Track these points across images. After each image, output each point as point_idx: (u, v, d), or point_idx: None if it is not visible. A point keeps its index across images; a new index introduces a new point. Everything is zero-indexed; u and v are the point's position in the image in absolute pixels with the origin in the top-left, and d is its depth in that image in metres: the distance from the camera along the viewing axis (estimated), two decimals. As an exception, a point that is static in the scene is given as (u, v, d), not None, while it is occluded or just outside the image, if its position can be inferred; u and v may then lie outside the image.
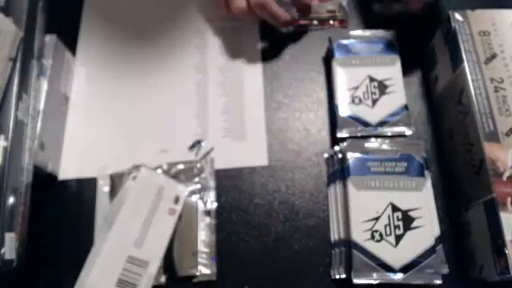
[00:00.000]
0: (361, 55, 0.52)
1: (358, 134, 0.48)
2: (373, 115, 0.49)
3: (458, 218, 0.46)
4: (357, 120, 0.49)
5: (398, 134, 0.49)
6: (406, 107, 0.49)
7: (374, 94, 0.50)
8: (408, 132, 0.48)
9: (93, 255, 0.43)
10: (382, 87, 0.50)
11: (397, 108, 0.49)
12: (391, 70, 0.51)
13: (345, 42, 0.52)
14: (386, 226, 0.43)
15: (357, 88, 0.50)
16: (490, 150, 0.41)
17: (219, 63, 0.56)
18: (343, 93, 0.50)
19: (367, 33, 0.53)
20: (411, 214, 0.43)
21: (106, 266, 0.43)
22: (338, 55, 0.52)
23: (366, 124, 0.49)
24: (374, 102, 0.49)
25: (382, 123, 0.49)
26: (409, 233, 0.42)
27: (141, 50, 0.57)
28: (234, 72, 0.55)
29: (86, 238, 0.47)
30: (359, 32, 0.53)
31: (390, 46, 0.52)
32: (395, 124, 0.49)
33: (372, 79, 0.50)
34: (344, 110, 0.49)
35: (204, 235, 0.46)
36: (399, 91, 0.50)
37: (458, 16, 0.47)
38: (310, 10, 0.55)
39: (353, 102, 0.50)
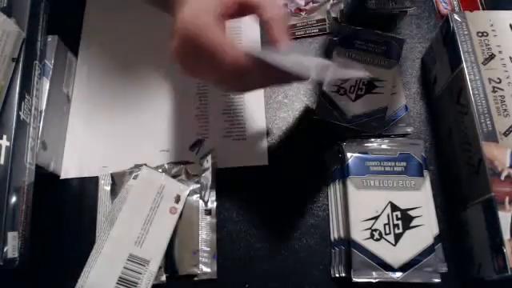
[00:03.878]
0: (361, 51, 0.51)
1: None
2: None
3: (456, 217, 0.47)
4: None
5: (397, 134, 0.49)
6: (405, 107, 0.49)
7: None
8: (407, 132, 0.49)
9: (94, 253, 0.44)
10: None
11: (396, 108, 0.49)
12: (390, 72, 0.51)
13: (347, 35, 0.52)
14: (385, 225, 0.43)
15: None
16: (488, 149, 0.41)
17: (220, 63, 0.56)
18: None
19: (369, 31, 0.53)
20: (410, 213, 0.43)
21: (107, 264, 0.43)
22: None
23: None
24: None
25: (382, 123, 0.49)
26: (408, 232, 0.43)
27: (142, 51, 0.57)
28: (234, 72, 0.55)
29: (87, 236, 0.47)
30: (360, 28, 0.53)
31: (389, 48, 0.52)
32: (394, 124, 0.49)
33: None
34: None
35: (205, 234, 0.47)
36: (399, 93, 0.50)
37: (456, 17, 0.47)
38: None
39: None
